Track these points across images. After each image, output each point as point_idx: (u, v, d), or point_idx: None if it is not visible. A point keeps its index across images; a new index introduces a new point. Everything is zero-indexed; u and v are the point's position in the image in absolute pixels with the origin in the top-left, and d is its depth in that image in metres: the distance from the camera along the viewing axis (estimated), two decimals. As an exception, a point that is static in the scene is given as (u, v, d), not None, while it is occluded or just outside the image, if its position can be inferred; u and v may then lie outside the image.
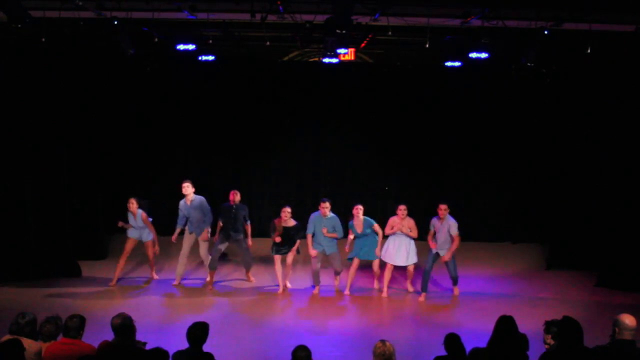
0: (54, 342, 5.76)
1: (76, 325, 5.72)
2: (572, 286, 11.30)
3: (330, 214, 10.58)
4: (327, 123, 14.08)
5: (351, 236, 10.76)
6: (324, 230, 10.46)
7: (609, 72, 11.38)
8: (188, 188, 10.90)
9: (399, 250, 10.65)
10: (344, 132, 14.17)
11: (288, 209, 10.66)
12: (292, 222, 10.68)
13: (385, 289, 10.76)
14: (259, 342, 8.40)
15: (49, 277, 10.91)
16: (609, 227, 11.46)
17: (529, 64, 10.55)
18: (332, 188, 13.36)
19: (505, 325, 5.63)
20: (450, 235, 10.52)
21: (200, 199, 10.97)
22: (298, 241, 10.71)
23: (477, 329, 7.95)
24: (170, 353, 5.58)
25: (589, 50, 9.94)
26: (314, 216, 10.72)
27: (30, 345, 5.42)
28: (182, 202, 11.03)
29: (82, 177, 11.95)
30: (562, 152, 12.80)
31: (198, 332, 5.63)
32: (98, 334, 6.08)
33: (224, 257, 11.88)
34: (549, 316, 6.23)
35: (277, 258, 10.80)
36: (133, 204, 10.79)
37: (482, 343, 5.77)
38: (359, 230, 10.64)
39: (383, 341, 5.31)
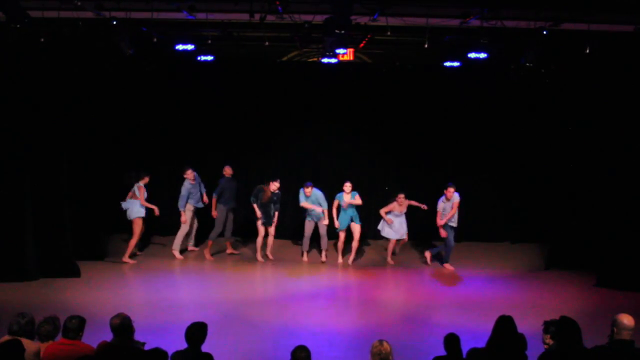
0: (53, 343, 5.75)
1: (75, 326, 5.71)
2: (571, 286, 11.30)
3: (313, 192, 12.50)
4: (326, 123, 14.09)
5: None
6: (305, 204, 12.53)
7: (608, 72, 11.38)
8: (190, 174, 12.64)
9: (398, 227, 12.47)
10: (343, 132, 14.19)
11: (278, 183, 12.54)
12: (276, 190, 12.62)
13: (389, 258, 12.83)
14: (258, 342, 8.39)
15: (48, 277, 10.90)
16: (608, 227, 11.46)
17: (527, 64, 10.57)
18: (331, 187, 13.34)
19: (504, 325, 5.63)
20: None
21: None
22: (277, 213, 12.69)
23: (475, 329, 7.94)
24: (169, 353, 5.57)
25: (587, 51, 9.95)
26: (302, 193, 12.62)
27: (28, 345, 5.42)
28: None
29: (81, 177, 11.93)
30: (561, 152, 12.80)
31: (197, 332, 5.63)
32: (96, 335, 6.08)
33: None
34: (548, 316, 6.23)
35: (261, 231, 12.56)
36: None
37: (481, 343, 5.77)
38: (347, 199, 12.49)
39: (380, 341, 5.30)
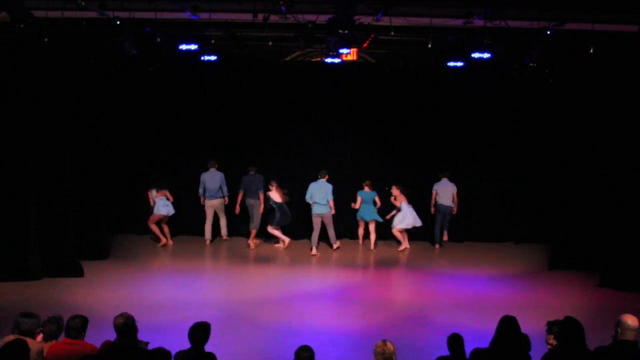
0: (56, 342, 5.76)
1: (78, 325, 5.72)
2: (575, 286, 11.28)
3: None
4: (329, 123, 14.10)
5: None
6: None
7: (611, 72, 11.35)
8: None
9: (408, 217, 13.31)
10: (346, 131, 14.19)
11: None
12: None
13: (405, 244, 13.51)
14: (261, 342, 8.39)
15: (51, 277, 10.91)
16: (612, 227, 11.43)
17: (531, 64, 10.55)
18: (335, 187, 13.36)
19: (508, 325, 5.63)
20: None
21: None
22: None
23: (479, 329, 7.94)
24: (173, 353, 5.58)
25: (591, 51, 9.93)
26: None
27: (32, 345, 5.42)
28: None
29: (85, 177, 11.94)
30: (564, 152, 12.77)
31: (200, 332, 5.64)
32: (100, 334, 6.08)
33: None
34: (551, 316, 6.23)
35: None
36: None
37: (485, 343, 5.77)
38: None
39: (384, 341, 5.30)
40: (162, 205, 13.06)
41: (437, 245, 13.72)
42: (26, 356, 5.10)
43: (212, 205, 13.36)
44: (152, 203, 13.15)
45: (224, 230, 13.82)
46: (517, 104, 13.78)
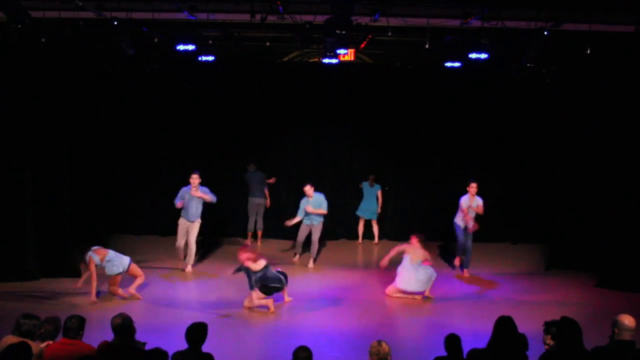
0: (54, 343, 5.76)
1: (75, 325, 5.72)
2: (572, 287, 11.30)
3: (314, 195, 12.07)
4: (326, 123, 14.10)
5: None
6: (309, 208, 12.02)
7: (608, 72, 11.37)
8: (196, 180, 11.71)
9: (416, 278, 10.28)
10: (344, 132, 14.20)
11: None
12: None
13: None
14: (259, 342, 8.40)
15: (49, 277, 10.90)
16: (609, 228, 11.44)
17: (528, 65, 10.54)
18: (332, 188, 13.38)
19: (505, 325, 5.63)
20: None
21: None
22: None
23: (476, 330, 7.95)
24: (170, 353, 5.58)
25: (588, 51, 9.94)
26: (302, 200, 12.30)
27: (32, 346, 5.41)
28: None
29: (82, 177, 11.93)
30: (561, 152, 12.79)
31: (197, 332, 5.63)
32: (97, 334, 6.08)
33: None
34: (549, 317, 6.23)
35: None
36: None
37: (482, 344, 5.77)
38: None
39: (379, 341, 5.31)
40: (115, 264, 9.95)
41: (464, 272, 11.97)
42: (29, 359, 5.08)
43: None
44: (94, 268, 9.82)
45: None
46: (514, 104, 13.79)
